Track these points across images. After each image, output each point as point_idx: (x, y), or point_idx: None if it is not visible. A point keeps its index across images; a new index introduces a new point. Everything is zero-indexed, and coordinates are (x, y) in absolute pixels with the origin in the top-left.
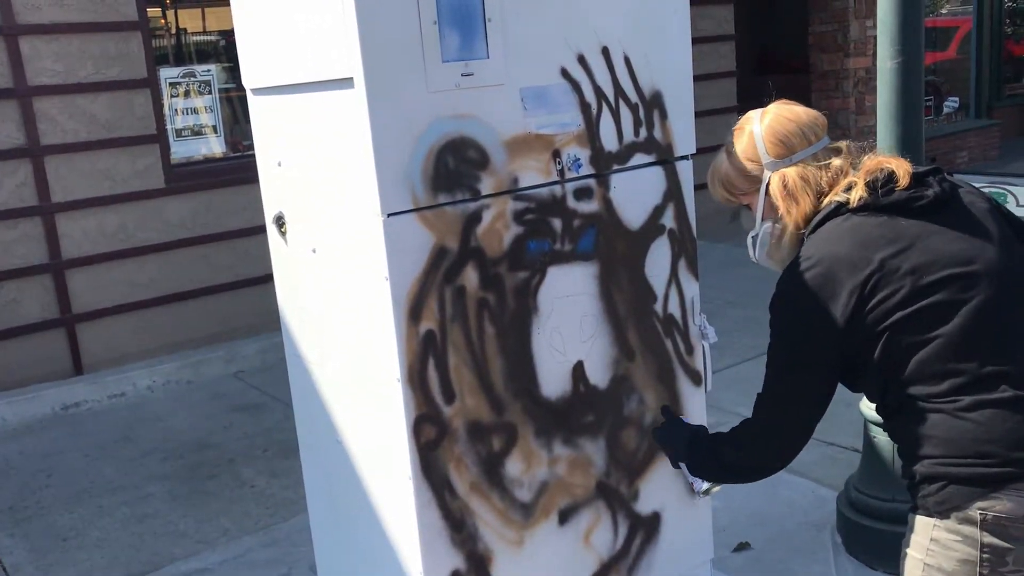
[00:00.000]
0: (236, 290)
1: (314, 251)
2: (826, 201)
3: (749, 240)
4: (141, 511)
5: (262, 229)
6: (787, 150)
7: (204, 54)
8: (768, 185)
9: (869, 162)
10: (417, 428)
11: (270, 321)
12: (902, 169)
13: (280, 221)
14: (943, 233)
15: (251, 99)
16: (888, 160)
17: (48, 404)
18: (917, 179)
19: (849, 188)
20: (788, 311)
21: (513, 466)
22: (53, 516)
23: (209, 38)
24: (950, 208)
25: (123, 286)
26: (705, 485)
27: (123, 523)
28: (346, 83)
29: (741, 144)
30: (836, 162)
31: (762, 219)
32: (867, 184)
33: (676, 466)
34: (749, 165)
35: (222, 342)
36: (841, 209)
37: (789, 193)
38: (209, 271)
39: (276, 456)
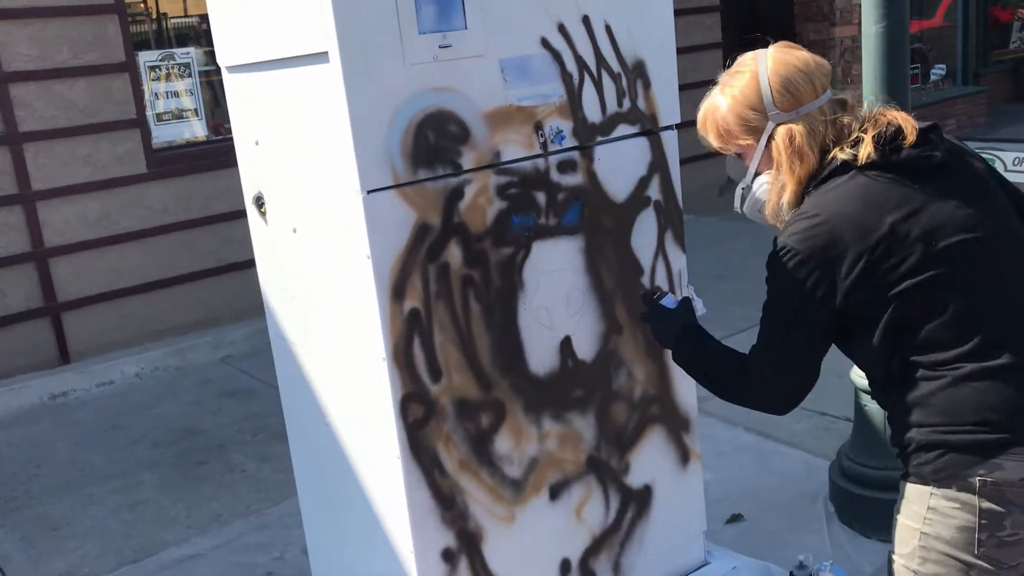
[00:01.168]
0: (221, 275)
1: (295, 231)
2: (830, 157)
3: (739, 191)
4: (132, 498)
5: (246, 213)
6: (795, 102)
7: (183, 36)
8: (771, 138)
9: (874, 116)
10: (404, 407)
11: (257, 306)
12: (909, 125)
13: (259, 201)
14: (950, 196)
15: (226, 77)
16: (894, 114)
17: (35, 394)
18: (922, 136)
19: (855, 144)
20: (791, 268)
21: (502, 442)
22: (43, 506)
23: (188, 20)
24: (953, 169)
25: (107, 273)
26: None
27: (114, 511)
28: (321, 58)
29: (743, 90)
30: (843, 118)
31: (756, 171)
32: (874, 140)
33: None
34: (751, 114)
35: (209, 328)
36: (847, 166)
37: (796, 150)
38: (193, 256)
39: (266, 440)
